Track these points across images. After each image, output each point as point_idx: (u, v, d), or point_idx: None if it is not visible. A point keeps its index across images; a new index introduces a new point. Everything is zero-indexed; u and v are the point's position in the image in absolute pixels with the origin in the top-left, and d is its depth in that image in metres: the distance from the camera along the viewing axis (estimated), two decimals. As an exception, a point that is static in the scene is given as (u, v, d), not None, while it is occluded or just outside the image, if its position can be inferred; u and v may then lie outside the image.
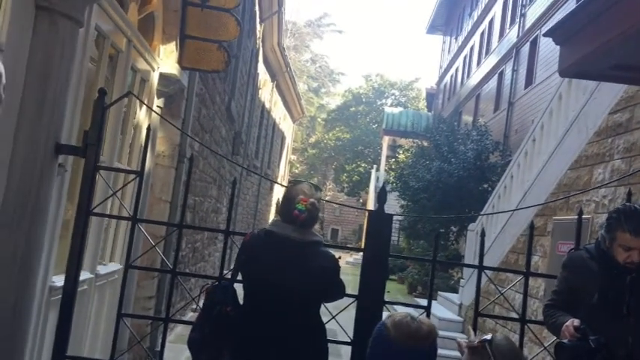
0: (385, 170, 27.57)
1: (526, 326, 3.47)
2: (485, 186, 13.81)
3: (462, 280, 10.47)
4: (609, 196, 5.40)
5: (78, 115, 3.64)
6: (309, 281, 2.82)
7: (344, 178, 36.97)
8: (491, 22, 20.40)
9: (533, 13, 15.26)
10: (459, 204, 13.92)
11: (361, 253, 3.40)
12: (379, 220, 3.36)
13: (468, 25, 24.39)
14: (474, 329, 3.74)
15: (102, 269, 4.54)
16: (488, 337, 2.20)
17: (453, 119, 22.65)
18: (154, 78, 5.35)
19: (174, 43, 5.40)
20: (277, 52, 15.73)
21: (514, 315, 4.11)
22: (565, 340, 2.60)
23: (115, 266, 4.79)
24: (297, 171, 41.16)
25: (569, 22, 3.06)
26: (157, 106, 5.62)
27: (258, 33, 12.89)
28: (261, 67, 14.54)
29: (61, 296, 3.25)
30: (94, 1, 3.38)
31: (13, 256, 2.88)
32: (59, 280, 3.40)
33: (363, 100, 40.68)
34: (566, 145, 6.73)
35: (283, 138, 23.39)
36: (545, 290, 6.23)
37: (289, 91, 20.73)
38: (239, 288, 2.97)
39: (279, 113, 20.60)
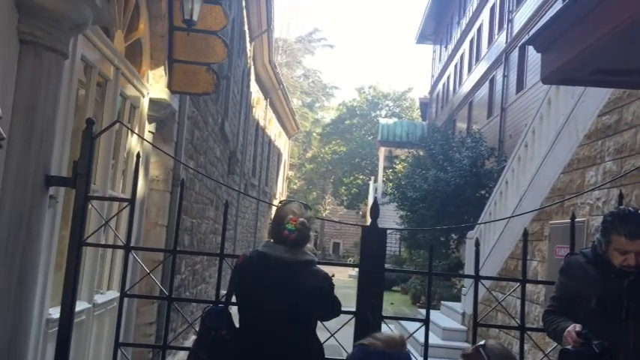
0: (383, 181, 27.59)
1: (527, 334, 3.45)
2: (483, 192, 13.82)
3: (463, 288, 10.43)
4: (603, 198, 5.41)
5: (68, 146, 3.66)
6: (302, 302, 2.81)
7: (342, 191, 36.97)
8: (479, 29, 20.55)
9: (520, 19, 15.37)
10: (458, 212, 13.91)
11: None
12: (373, 235, 3.37)
13: (457, 34, 24.56)
14: (474, 339, 3.73)
15: (99, 298, 4.52)
16: (482, 342, 2.26)
17: (448, 127, 22.72)
18: (144, 104, 5.37)
19: (162, 67, 5.43)
20: (269, 69, 15.81)
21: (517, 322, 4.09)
22: (569, 346, 2.59)
23: (113, 294, 4.77)
24: (295, 187, 41.17)
25: (549, 29, 3.09)
26: (149, 131, 5.64)
27: (248, 52, 12.97)
28: (253, 86, 14.61)
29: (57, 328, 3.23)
30: (79, 32, 3.40)
31: (7, 290, 2.87)
32: (56, 312, 3.38)
33: (358, 112, 40.81)
34: (558, 149, 6.75)
35: (279, 154, 23.43)
36: (545, 295, 6.21)
37: (283, 108, 20.81)
38: (235, 310, 2.96)
39: (274, 130, 20.66)
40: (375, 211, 3.41)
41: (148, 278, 5.12)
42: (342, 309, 3.10)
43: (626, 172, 4.72)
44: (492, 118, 17.64)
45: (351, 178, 37.03)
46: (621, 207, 2.89)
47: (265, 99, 17.41)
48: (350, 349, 3.22)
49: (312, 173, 41.33)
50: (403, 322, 8.77)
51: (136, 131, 5.24)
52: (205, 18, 5.38)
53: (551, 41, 3.14)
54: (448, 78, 26.41)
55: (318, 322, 3.03)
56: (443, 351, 7.58)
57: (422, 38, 31.47)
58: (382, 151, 29.99)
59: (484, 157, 14.58)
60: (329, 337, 3.32)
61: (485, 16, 19.74)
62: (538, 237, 6.99)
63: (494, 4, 18.60)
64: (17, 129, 2.93)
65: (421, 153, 17.99)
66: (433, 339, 9.04)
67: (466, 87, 21.85)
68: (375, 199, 3.83)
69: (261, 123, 17.16)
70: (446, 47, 27.43)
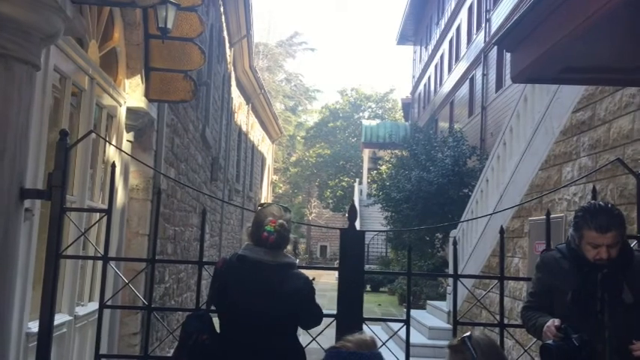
0: (368, 183, 27.66)
1: (507, 331, 3.48)
2: (466, 191, 13.92)
3: (448, 287, 10.50)
4: (579, 194, 5.49)
5: (43, 158, 3.64)
6: (282, 305, 2.81)
7: (328, 194, 36.98)
8: (458, 29, 20.71)
9: (497, 18, 15.52)
10: (442, 211, 13.99)
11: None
12: (351, 237, 3.38)
13: (436, 34, 24.73)
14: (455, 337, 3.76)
15: (81, 310, 4.50)
16: (468, 333, 2.28)
17: (430, 127, 22.85)
18: (122, 113, 5.35)
19: (139, 76, 5.42)
20: (250, 74, 15.80)
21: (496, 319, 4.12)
22: (549, 341, 2.62)
23: (95, 306, 4.73)
24: (280, 191, 41.11)
25: (517, 29, 3.13)
26: (127, 140, 5.62)
27: (228, 58, 12.95)
28: (234, 91, 14.59)
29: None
30: (50, 43, 3.38)
31: (-17, 306, 2.84)
32: (36, 326, 3.36)
33: (341, 115, 40.88)
34: (535, 146, 6.83)
35: (263, 159, 23.40)
36: (527, 291, 6.27)
37: (265, 112, 20.79)
38: (215, 317, 2.95)
39: (257, 135, 20.63)
40: (353, 213, 3.43)
41: (130, 289, 5.10)
42: (325, 312, 3.10)
43: (600, 167, 4.80)
44: (473, 117, 17.79)
45: (336, 180, 37.06)
46: (592, 202, 2.94)
47: (247, 104, 17.40)
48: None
49: (297, 177, 41.30)
50: (389, 323, 8.80)
51: (114, 141, 5.22)
52: (181, 25, 5.37)
53: (519, 40, 3.18)
54: (429, 78, 26.57)
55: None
56: (429, 350, 7.62)
57: (402, 39, 31.65)
58: (366, 153, 30.08)
59: (466, 155, 14.68)
60: (311, 341, 3.33)
61: (463, 16, 19.90)
62: (518, 234, 7.06)
63: (471, 3, 18.76)
64: (-11, 142, 2.91)
65: (404, 153, 18.06)
66: (420, 338, 9.09)
67: (447, 87, 22.00)
68: (353, 202, 3.85)
69: (244, 128, 17.13)
70: (426, 48, 27.60)
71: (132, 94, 5.41)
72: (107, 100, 4.97)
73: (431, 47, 25.89)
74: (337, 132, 39.96)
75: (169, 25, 5.05)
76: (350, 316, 3.29)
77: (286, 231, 2.91)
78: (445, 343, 8.60)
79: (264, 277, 2.82)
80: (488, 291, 3.95)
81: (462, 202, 13.09)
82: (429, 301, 11.74)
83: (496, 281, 3.50)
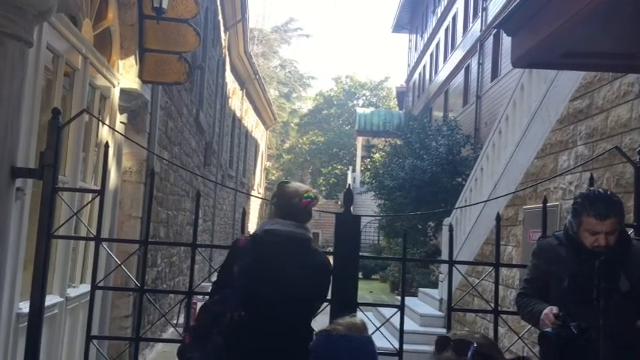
0: (361, 171, 27.64)
1: (501, 317, 3.48)
2: (459, 180, 13.94)
3: (440, 275, 10.53)
4: (575, 182, 5.48)
5: (35, 137, 3.58)
6: (313, 277, 2.79)
7: (321, 181, 36.98)
8: (454, 18, 20.62)
9: (494, 7, 15.45)
10: (435, 199, 14.01)
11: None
12: (347, 222, 3.36)
13: (432, 22, 24.62)
14: (449, 324, 3.75)
15: (72, 292, 4.46)
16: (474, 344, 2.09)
17: (424, 116, 22.83)
18: (115, 94, 5.28)
19: (133, 57, 5.34)
20: (244, 59, 15.68)
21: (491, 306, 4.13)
22: (548, 329, 2.62)
23: (86, 288, 4.70)
24: (273, 177, 41.02)
25: (518, 12, 3.10)
26: (121, 122, 5.55)
27: (223, 42, 12.83)
28: (229, 76, 14.48)
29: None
30: (43, 20, 3.31)
31: (-27, 285, 2.81)
32: (27, 307, 3.32)
33: (335, 102, 40.77)
34: (531, 135, 6.82)
35: (257, 145, 23.31)
36: (520, 279, 6.29)
37: (259, 98, 20.68)
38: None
39: (250, 121, 20.53)
40: (348, 197, 3.40)
41: (123, 271, 5.06)
42: None
43: (597, 156, 4.79)
44: (468, 106, 17.77)
45: (329, 168, 37.06)
46: (591, 188, 2.93)
47: (241, 90, 17.28)
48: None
49: (290, 164, 41.24)
50: (381, 309, 8.82)
51: (107, 122, 5.16)
52: (176, 6, 5.29)
53: (521, 24, 3.15)
54: (424, 67, 26.50)
55: None
56: (421, 337, 7.63)
57: (398, 27, 31.50)
58: (360, 141, 30.02)
59: (460, 144, 14.69)
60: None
61: (459, 5, 19.81)
62: (512, 222, 7.07)
63: (468, -8, 18.69)
64: (-20, 119, 2.85)
65: (398, 142, 18.04)
66: (411, 325, 9.11)
67: (442, 75, 21.95)
68: (349, 186, 3.82)
69: (238, 114, 17.03)
70: (422, 36, 27.49)
71: (125, 75, 5.33)
72: (100, 81, 4.90)
73: (427, 36, 25.80)
74: (331, 119, 39.88)
75: (164, 5, 4.98)
76: (344, 301, 3.27)
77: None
78: (436, 330, 8.61)
79: (297, 250, 2.80)
80: (482, 278, 3.94)
81: (455, 190, 13.11)
82: (420, 289, 11.79)
83: (490, 269, 3.50)
